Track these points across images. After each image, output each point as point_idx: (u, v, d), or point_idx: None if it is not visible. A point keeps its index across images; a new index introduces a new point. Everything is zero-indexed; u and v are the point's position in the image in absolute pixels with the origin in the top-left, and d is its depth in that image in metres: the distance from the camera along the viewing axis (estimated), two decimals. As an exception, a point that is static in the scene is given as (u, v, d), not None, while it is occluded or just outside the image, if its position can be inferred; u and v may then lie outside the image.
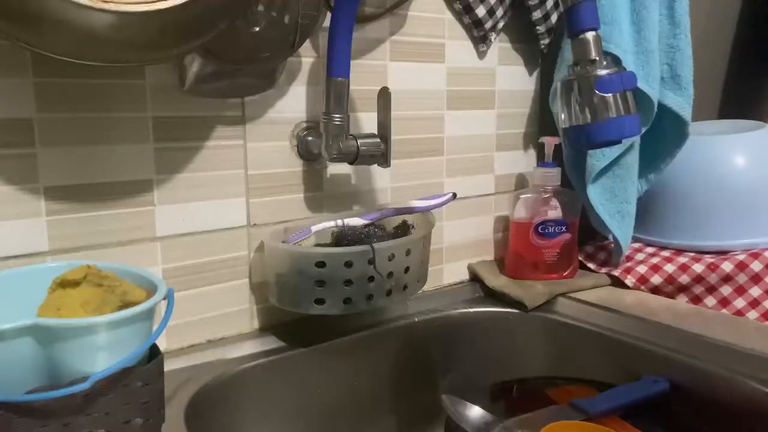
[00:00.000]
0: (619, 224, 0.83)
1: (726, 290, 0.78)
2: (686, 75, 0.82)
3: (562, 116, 0.53)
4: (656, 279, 0.80)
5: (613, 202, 0.83)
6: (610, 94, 0.50)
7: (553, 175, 0.83)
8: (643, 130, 0.82)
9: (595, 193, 0.83)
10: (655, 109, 0.80)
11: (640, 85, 0.78)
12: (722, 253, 0.81)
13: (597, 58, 0.51)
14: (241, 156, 0.65)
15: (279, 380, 0.64)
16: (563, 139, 0.57)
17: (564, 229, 0.83)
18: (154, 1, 0.43)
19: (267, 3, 0.56)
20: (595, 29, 0.51)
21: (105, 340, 0.42)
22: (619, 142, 0.53)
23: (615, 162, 0.82)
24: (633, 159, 0.84)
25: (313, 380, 0.66)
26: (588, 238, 0.93)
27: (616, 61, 0.53)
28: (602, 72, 0.50)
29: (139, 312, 0.43)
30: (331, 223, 0.68)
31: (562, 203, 0.83)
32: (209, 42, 0.50)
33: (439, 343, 0.76)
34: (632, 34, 0.79)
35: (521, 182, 0.92)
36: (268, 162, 0.67)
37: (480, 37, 0.82)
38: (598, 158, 0.81)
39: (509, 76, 0.88)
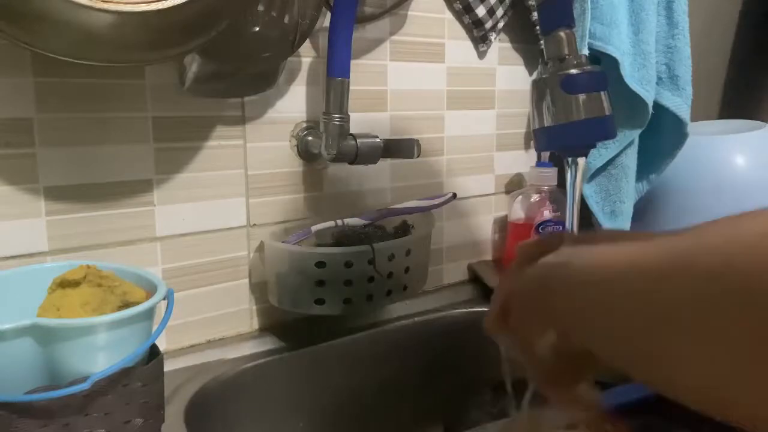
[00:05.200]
0: (613, 223, 0.83)
1: (726, 290, 0.78)
2: (684, 75, 0.82)
3: (534, 117, 0.51)
4: (656, 279, 0.80)
5: (607, 201, 0.84)
6: (578, 95, 0.46)
7: (550, 175, 0.83)
8: (639, 131, 0.82)
9: (590, 192, 0.83)
10: (650, 111, 0.80)
11: (635, 87, 0.78)
12: (722, 253, 0.81)
13: (567, 57, 0.47)
14: (241, 156, 0.65)
15: (279, 380, 0.64)
16: (534, 142, 0.53)
17: (562, 228, 0.83)
18: (154, 1, 0.43)
19: (267, 3, 0.55)
20: (568, 26, 0.48)
21: (105, 340, 0.42)
22: (591, 146, 0.50)
23: (611, 162, 0.82)
24: (629, 159, 0.84)
25: (313, 380, 0.66)
26: (588, 238, 0.92)
27: (592, 60, 0.49)
28: (571, 71, 0.47)
29: (139, 312, 0.43)
30: (331, 223, 0.68)
31: (559, 203, 0.83)
32: (209, 42, 0.50)
33: (439, 343, 0.76)
34: (630, 36, 0.79)
35: (521, 182, 0.92)
36: (268, 162, 0.67)
37: (480, 37, 0.82)
38: (594, 158, 0.81)
39: (509, 76, 0.88)
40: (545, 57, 0.49)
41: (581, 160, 0.49)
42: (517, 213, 0.84)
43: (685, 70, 0.82)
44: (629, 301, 0.26)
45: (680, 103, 0.82)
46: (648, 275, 0.25)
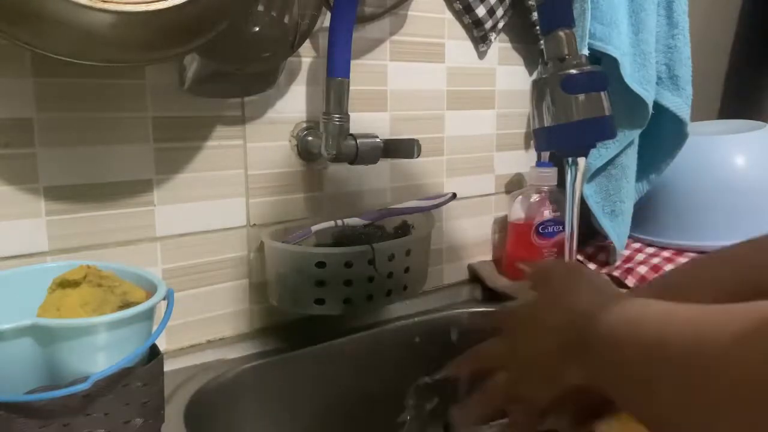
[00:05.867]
0: (612, 223, 0.84)
1: (726, 290, 0.78)
2: (684, 75, 0.82)
3: (533, 117, 0.51)
4: (656, 279, 0.80)
5: (607, 201, 0.84)
6: (578, 95, 0.46)
7: (550, 175, 0.83)
8: (639, 131, 0.82)
9: (590, 192, 0.83)
10: (650, 111, 0.80)
11: (635, 87, 0.78)
12: (722, 253, 0.81)
13: (568, 57, 0.47)
14: (241, 156, 0.65)
15: (279, 380, 0.64)
16: (534, 142, 0.53)
17: (562, 228, 0.83)
18: (154, 1, 0.43)
19: (267, 3, 0.55)
20: (568, 26, 0.48)
21: (105, 340, 0.42)
22: (591, 146, 0.50)
23: (611, 162, 0.83)
24: (629, 159, 0.84)
25: (313, 380, 0.66)
26: (588, 239, 0.92)
27: (591, 60, 0.49)
28: (571, 71, 0.47)
29: (139, 312, 0.43)
30: (331, 223, 0.67)
31: (559, 203, 0.83)
32: (209, 42, 0.50)
33: (439, 343, 0.76)
34: (630, 36, 0.79)
35: (521, 182, 0.92)
36: (268, 162, 0.67)
37: (480, 37, 0.82)
38: (594, 158, 0.81)
39: (509, 76, 0.88)
40: (545, 57, 0.49)
41: (581, 160, 0.49)
42: (517, 213, 0.84)
43: (685, 70, 0.82)
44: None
45: (680, 104, 0.82)
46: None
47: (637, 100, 0.79)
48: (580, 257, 0.89)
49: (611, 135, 0.48)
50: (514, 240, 0.85)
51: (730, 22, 1.26)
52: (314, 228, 0.66)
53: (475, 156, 0.86)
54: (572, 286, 0.43)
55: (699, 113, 0.88)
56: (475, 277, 0.87)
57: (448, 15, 0.80)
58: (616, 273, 0.83)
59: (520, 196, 0.84)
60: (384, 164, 0.74)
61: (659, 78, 0.82)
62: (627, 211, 0.85)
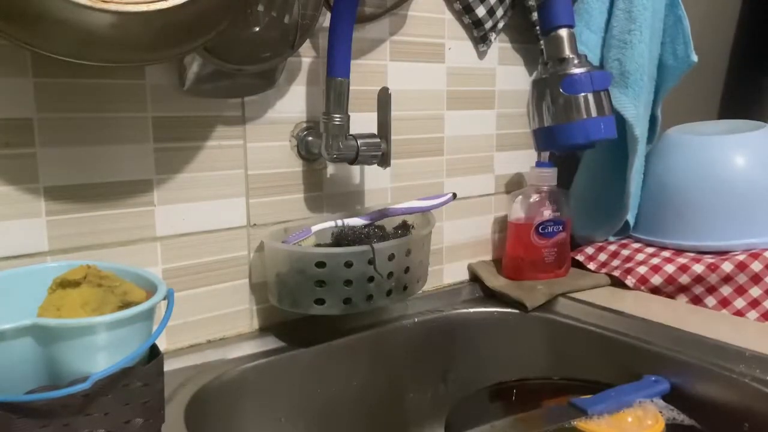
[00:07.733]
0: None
1: (726, 290, 0.78)
2: (634, 73, 0.80)
3: (533, 117, 0.51)
4: (656, 279, 0.80)
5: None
6: (578, 95, 0.47)
7: (550, 175, 0.83)
8: None
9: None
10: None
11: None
12: (722, 253, 0.81)
13: (568, 57, 0.47)
14: (241, 156, 0.65)
15: (279, 380, 0.64)
16: (534, 142, 0.54)
17: (561, 228, 0.83)
18: (154, 1, 0.43)
19: (267, 3, 0.56)
20: (568, 26, 0.48)
21: (105, 340, 0.42)
22: (590, 146, 0.50)
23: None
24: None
25: (313, 380, 0.66)
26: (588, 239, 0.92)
27: (589, 60, 0.49)
28: (571, 71, 0.47)
29: (139, 312, 0.43)
30: (331, 223, 0.68)
31: (558, 203, 0.83)
32: (209, 42, 0.50)
33: (439, 343, 0.76)
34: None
35: (521, 182, 0.92)
36: (268, 162, 0.67)
37: (480, 37, 0.82)
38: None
39: (509, 76, 0.88)
40: (545, 57, 0.49)
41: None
42: (517, 213, 0.84)
43: (635, 68, 0.80)
44: None
45: (626, 102, 0.79)
46: None
47: None
48: (580, 257, 0.89)
49: (611, 134, 0.48)
50: (514, 240, 0.85)
51: (730, 23, 1.26)
52: (314, 228, 0.66)
53: (475, 156, 0.86)
54: None
55: (699, 113, 0.87)
56: (475, 277, 0.87)
57: (448, 15, 0.80)
58: (616, 273, 0.83)
59: (520, 196, 0.84)
60: (384, 164, 0.74)
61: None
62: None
